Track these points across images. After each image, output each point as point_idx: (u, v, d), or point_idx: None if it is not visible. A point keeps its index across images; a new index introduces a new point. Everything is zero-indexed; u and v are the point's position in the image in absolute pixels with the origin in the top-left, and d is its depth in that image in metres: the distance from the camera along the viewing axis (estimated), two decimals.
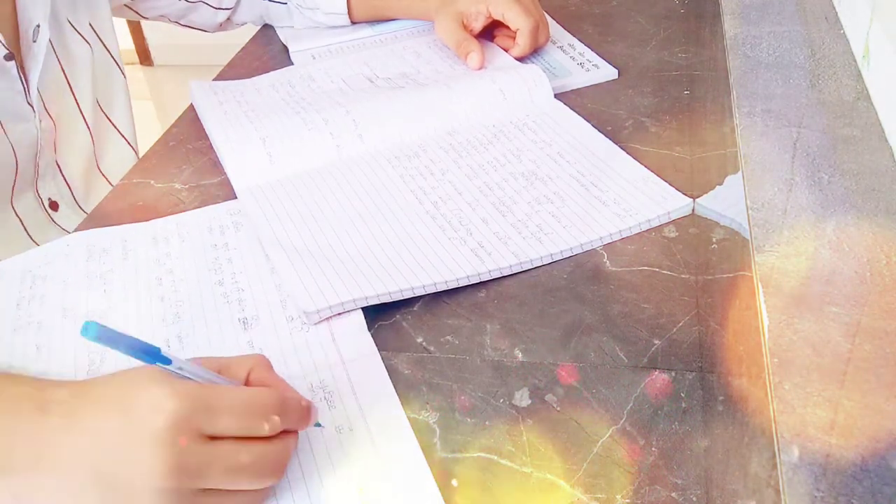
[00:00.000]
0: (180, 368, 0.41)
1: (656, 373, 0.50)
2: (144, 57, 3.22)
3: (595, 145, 0.72)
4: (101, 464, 0.39)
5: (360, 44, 0.97)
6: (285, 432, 0.43)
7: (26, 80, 0.79)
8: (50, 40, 0.81)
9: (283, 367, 0.53)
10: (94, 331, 0.37)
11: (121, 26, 2.49)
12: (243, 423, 0.41)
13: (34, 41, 0.79)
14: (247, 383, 0.45)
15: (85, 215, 0.73)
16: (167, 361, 0.41)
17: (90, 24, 0.88)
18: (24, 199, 0.83)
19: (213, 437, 0.40)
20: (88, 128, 0.89)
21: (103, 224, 0.68)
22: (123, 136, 0.94)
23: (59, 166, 0.86)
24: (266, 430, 0.41)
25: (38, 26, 0.79)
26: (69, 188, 0.88)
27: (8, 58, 0.76)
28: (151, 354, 0.40)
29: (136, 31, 3.13)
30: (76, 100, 0.87)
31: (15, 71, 0.77)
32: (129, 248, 0.65)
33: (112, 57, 0.92)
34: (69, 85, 0.86)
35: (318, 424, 0.47)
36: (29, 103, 0.80)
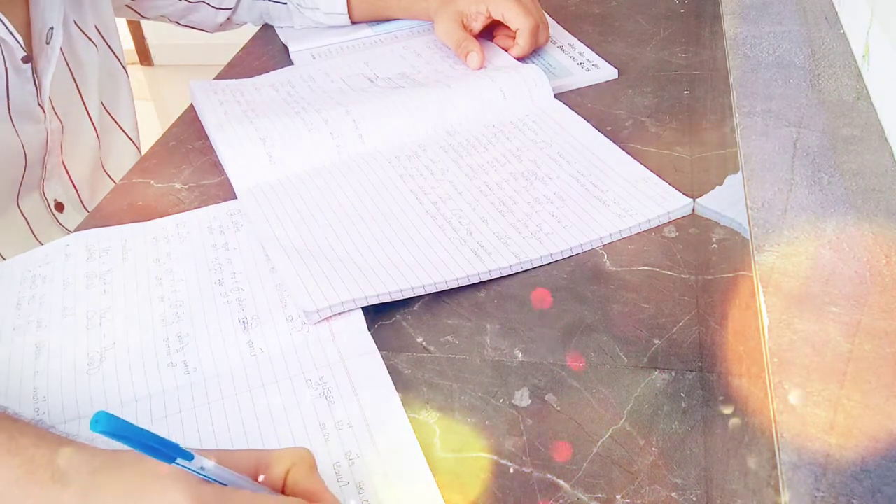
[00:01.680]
0: (202, 468, 0.37)
1: (656, 373, 0.50)
2: (144, 57, 3.23)
3: (595, 145, 0.72)
4: None
5: (360, 44, 0.97)
6: None
7: (39, 82, 0.79)
8: None
9: (283, 366, 0.53)
10: (104, 424, 0.33)
11: (121, 26, 2.49)
12: None
13: (47, 44, 0.79)
14: (284, 485, 0.41)
15: None
16: (189, 457, 0.37)
17: (95, 26, 0.88)
18: (31, 200, 0.83)
19: None
20: (95, 128, 0.89)
21: (103, 224, 0.68)
22: (128, 136, 0.95)
23: (65, 167, 0.86)
24: None
25: (52, 29, 0.79)
26: (75, 189, 0.88)
27: (25, 60, 0.77)
28: (169, 454, 0.36)
29: (136, 31, 3.13)
30: (83, 101, 0.87)
31: (30, 73, 0.78)
32: (129, 248, 0.65)
33: (116, 57, 0.92)
34: (77, 86, 0.86)
35: None
36: (40, 105, 0.80)
